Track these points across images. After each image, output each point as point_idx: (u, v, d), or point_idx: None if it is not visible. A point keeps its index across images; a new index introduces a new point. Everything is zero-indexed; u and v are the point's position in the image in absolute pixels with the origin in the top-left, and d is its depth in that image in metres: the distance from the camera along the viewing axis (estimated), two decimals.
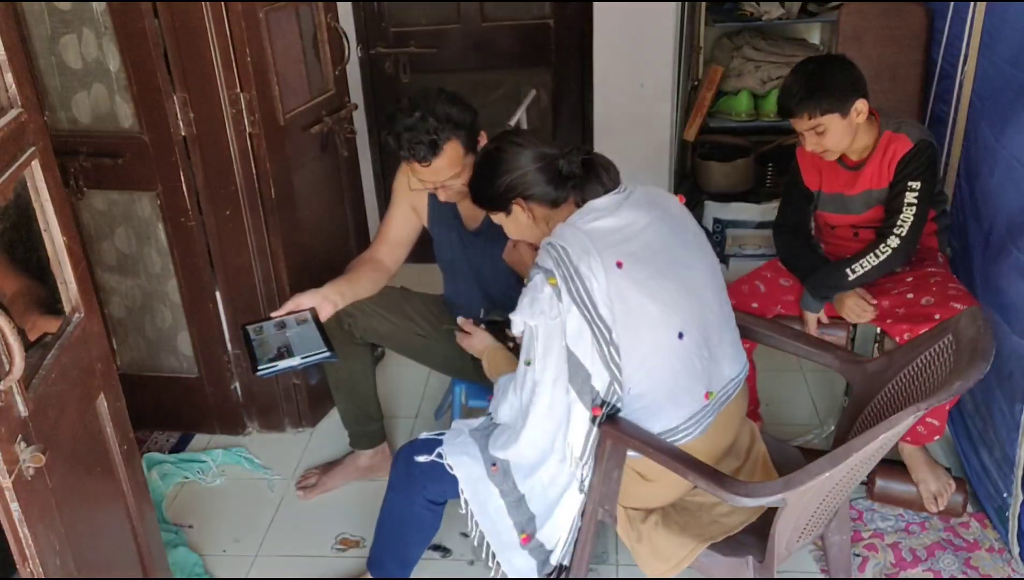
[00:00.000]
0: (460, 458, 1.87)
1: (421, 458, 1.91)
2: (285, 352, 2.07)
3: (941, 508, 2.30)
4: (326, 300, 2.23)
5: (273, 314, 2.21)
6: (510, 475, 1.84)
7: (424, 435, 1.97)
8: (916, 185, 2.22)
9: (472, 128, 2.12)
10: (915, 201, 2.23)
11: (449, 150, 2.08)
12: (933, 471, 2.32)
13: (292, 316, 2.19)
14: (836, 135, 2.22)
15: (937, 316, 2.14)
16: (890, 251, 2.25)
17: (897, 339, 2.19)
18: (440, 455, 1.89)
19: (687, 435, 1.74)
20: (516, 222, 1.83)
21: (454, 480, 1.87)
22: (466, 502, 1.87)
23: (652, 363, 1.68)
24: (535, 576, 1.87)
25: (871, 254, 2.27)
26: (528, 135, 1.86)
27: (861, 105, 2.22)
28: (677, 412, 1.72)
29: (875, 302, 2.30)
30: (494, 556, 1.88)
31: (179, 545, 2.38)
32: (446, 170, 2.10)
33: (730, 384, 1.82)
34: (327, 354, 2.06)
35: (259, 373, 2.05)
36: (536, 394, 1.69)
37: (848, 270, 2.29)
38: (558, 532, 1.84)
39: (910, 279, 2.31)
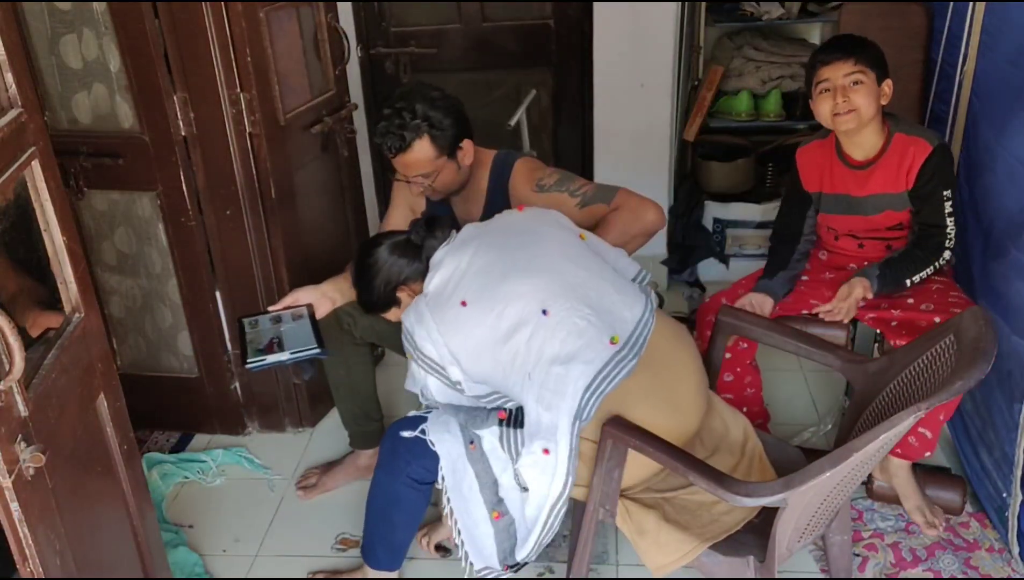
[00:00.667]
0: (442, 435, 1.92)
1: (406, 433, 1.95)
2: (276, 346, 2.07)
3: (941, 533, 2.28)
4: (324, 297, 2.23)
5: (271, 308, 2.22)
6: (486, 457, 1.88)
7: (412, 413, 2.01)
8: (949, 193, 2.22)
9: (451, 133, 2.11)
10: (952, 210, 2.23)
11: (417, 148, 2.09)
12: (925, 497, 2.31)
13: (288, 311, 2.18)
14: (867, 97, 2.19)
15: (937, 320, 2.15)
16: (944, 262, 2.27)
17: (893, 345, 2.18)
18: (423, 431, 1.93)
19: (610, 382, 1.74)
20: (407, 305, 1.97)
21: (437, 458, 1.91)
22: (443, 479, 1.91)
23: (537, 346, 1.74)
24: (495, 563, 1.88)
25: (929, 266, 2.26)
26: (381, 235, 2.09)
27: (888, 87, 2.22)
28: (586, 368, 1.73)
29: (872, 315, 2.30)
30: (460, 533, 1.90)
31: (179, 545, 2.38)
32: (413, 167, 2.12)
33: (639, 325, 1.83)
34: (317, 350, 2.06)
35: (248, 365, 2.05)
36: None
37: (907, 281, 2.27)
38: (529, 522, 1.84)
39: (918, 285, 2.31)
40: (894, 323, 2.24)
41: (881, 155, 2.28)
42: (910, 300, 2.26)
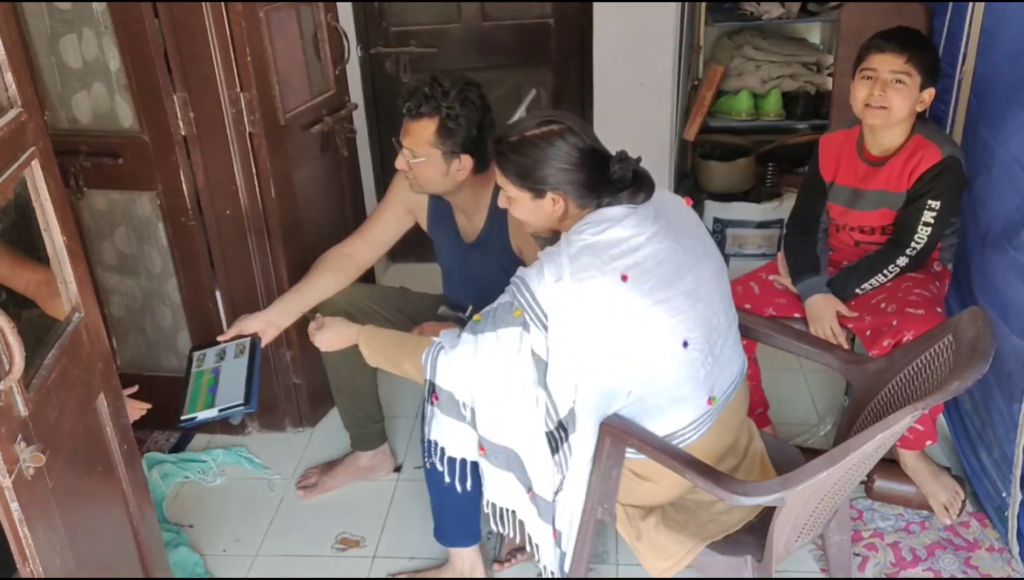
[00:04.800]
0: (495, 483, 1.84)
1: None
2: (210, 396, 2.07)
3: (954, 518, 2.29)
4: (270, 325, 2.21)
5: (220, 338, 2.21)
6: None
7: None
8: (936, 205, 2.19)
9: (459, 139, 2.06)
10: (932, 221, 2.20)
11: (424, 124, 2.05)
12: (939, 481, 2.31)
13: (233, 343, 2.17)
14: (904, 99, 2.17)
15: (895, 322, 2.14)
16: (899, 270, 2.26)
17: (872, 353, 2.15)
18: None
19: (685, 440, 1.75)
20: (539, 210, 1.77)
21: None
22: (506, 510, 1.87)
23: (654, 370, 1.68)
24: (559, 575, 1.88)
25: (880, 274, 2.27)
26: (586, 126, 1.78)
27: (929, 96, 2.20)
28: (678, 418, 1.73)
29: (850, 325, 2.30)
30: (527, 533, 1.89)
31: (180, 545, 2.38)
32: (410, 136, 2.08)
33: (731, 385, 1.83)
34: (242, 406, 2.02)
35: (180, 423, 2.04)
36: (490, 334, 1.72)
37: (858, 290, 2.29)
38: (569, 534, 1.85)
39: (889, 285, 2.31)
40: (868, 333, 2.24)
41: (895, 154, 2.27)
42: (882, 304, 2.25)
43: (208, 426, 2.81)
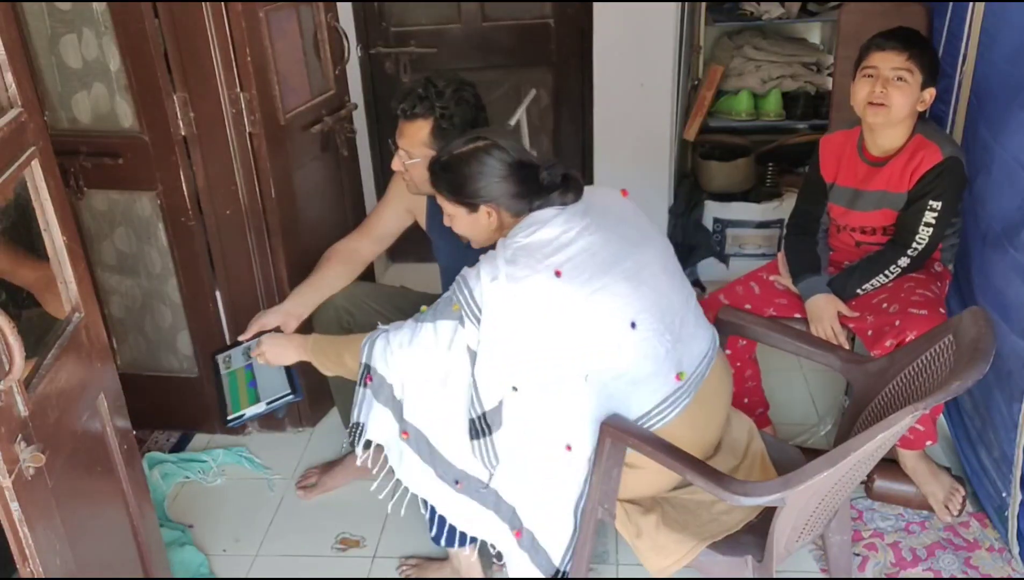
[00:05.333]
0: (422, 487, 1.90)
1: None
2: (251, 392, 2.08)
3: (955, 514, 2.29)
4: (290, 316, 2.23)
5: (241, 338, 2.21)
6: (471, 478, 1.85)
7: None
8: (937, 205, 2.20)
9: (455, 137, 2.04)
10: (933, 222, 2.21)
11: (419, 125, 2.07)
12: (937, 480, 2.31)
13: (257, 339, 2.18)
14: (905, 97, 2.18)
15: (897, 322, 2.15)
16: (900, 270, 2.27)
17: (874, 354, 2.15)
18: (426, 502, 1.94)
19: (663, 418, 1.77)
20: (475, 224, 1.86)
21: None
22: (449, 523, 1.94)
23: (607, 355, 1.72)
24: (540, 575, 1.88)
25: (881, 274, 2.28)
26: (512, 141, 1.88)
27: (930, 96, 2.21)
28: (649, 397, 1.76)
29: (851, 325, 2.30)
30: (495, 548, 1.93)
31: (185, 544, 2.38)
32: (405, 137, 2.09)
33: (703, 361, 1.85)
34: (291, 396, 2.05)
35: (228, 423, 2.06)
36: (428, 327, 1.78)
37: (859, 291, 2.29)
38: (551, 530, 1.85)
39: (890, 285, 2.31)
40: (870, 333, 2.24)
41: (896, 154, 2.27)
42: (884, 304, 2.26)
43: (210, 426, 2.83)
